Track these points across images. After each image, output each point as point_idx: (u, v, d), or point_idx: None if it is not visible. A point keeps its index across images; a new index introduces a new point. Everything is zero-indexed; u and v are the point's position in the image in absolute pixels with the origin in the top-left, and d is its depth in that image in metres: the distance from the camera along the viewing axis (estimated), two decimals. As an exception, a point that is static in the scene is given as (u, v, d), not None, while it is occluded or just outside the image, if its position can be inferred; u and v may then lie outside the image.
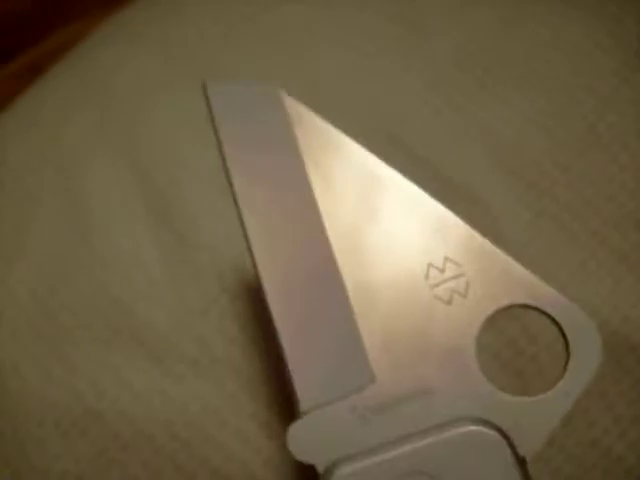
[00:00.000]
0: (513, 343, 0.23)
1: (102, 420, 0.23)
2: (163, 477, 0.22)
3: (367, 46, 0.28)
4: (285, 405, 0.23)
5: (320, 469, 0.15)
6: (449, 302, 0.16)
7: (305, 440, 0.15)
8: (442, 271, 0.16)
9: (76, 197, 0.27)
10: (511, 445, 0.15)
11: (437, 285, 0.16)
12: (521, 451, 0.15)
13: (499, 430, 0.15)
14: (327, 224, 0.16)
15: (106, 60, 0.30)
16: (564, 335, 0.16)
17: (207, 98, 0.17)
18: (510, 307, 0.16)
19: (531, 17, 0.28)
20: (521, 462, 0.15)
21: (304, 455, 0.15)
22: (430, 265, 0.16)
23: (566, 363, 0.16)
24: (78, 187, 0.27)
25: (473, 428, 0.15)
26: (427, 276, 0.16)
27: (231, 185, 0.17)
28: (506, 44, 0.27)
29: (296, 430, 0.15)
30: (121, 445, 0.23)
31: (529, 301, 0.16)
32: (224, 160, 0.17)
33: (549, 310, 0.16)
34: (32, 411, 0.23)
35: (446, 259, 0.16)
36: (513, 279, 0.16)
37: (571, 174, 0.25)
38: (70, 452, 0.23)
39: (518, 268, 0.16)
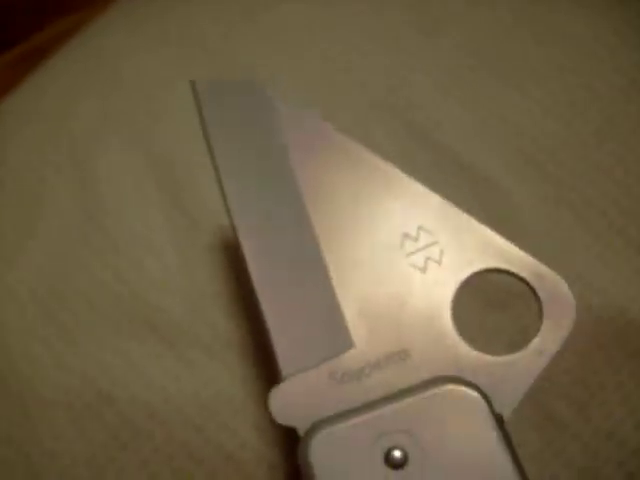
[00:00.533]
0: (526, 330, 0.23)
1: (114, 405, 0.23)
2: (175, 463, 0.22)
3: (367, 45, 0.29)
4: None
5: (301, 432, 0.16)
6: (424, 269, 0.17)
7: (286, 404, 0.16)
8: (416, 240, 0.17)
9: (88, 182, 0.27)
10: (488, 402, 0.15)
11: (412, 254, 0.17)
12: (497, 409, 0.15)
13: (476, 388, 0.15)
14: (310, 206, 0.17)
15: (114, 47, 0.31)
16: (537, 296, 0.16)
17: (196, 96, 0.18)
18: (484, 271, 0.16)
19: (547, 12, 0.28)
20: (499, 420, 0.15)
21: (285, 419, 0.16)
22: (405, 235, 0.17)
23: (540, 322, 0.16)
24: (89, 172, 0.27)
25: (450, 386, 0.15)
26: (402, 246, 0.17)
27: (219, 181, 0.18)
28: (519, 37, 0.28)
29: (277, 394, 0.16)
30: (133, 430, 0.23)
31: (501, 265, 0.16)
32: (212, 156, 0.18)
33: (521, 272, 0.16)
34: (44, 395, 0.24)
35: (420, 228, 0.17)
36: (485, 245, 0.16)
37: (588, 165, 0.25)
38: (82, 436, 0.23)
39: (490, 234, 0.17)
